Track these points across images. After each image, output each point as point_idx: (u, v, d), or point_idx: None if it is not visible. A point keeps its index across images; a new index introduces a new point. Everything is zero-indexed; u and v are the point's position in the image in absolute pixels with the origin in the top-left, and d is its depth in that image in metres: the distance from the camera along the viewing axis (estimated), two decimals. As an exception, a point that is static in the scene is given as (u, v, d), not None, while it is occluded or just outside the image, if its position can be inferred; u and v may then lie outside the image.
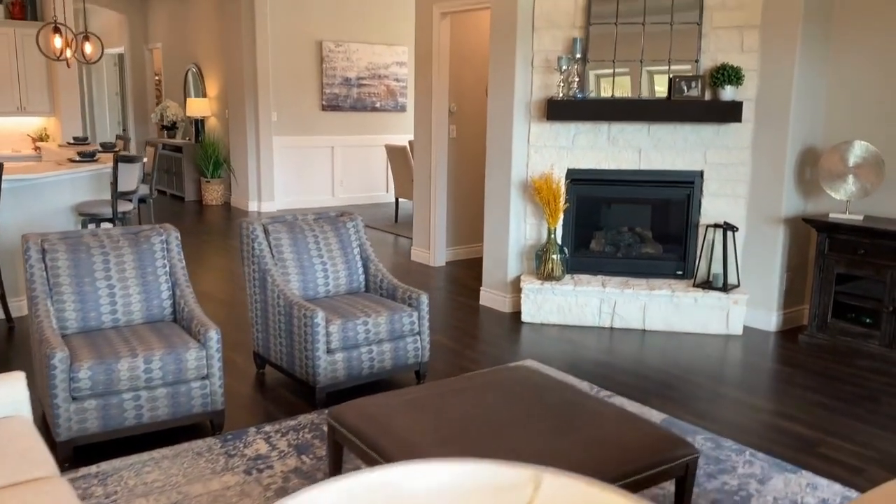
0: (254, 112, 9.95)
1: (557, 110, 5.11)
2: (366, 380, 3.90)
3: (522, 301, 5.27)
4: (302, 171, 10.50)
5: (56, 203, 5.52)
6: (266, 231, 4.10)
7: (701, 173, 5.24)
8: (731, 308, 5.04)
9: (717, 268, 5.18)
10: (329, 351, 3.73)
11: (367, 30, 10.56)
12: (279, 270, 4.06)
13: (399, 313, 3.94)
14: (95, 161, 5.69)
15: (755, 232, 5.18)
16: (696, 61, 5.03)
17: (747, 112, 5.06)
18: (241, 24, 9.84)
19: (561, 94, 5.13)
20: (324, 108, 10.50)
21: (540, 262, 5.31)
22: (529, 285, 5.23)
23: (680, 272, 5.36)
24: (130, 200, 5.81)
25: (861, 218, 4.69)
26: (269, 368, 4.27)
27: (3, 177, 5.09)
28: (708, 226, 5.22)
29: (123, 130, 14.62)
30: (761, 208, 5.13)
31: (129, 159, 5.57)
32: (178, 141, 11.31)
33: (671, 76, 5.03)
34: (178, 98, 12.02)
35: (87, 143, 7.31)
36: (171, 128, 11.91)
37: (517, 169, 5.40)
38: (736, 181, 5.19)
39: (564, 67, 5.06)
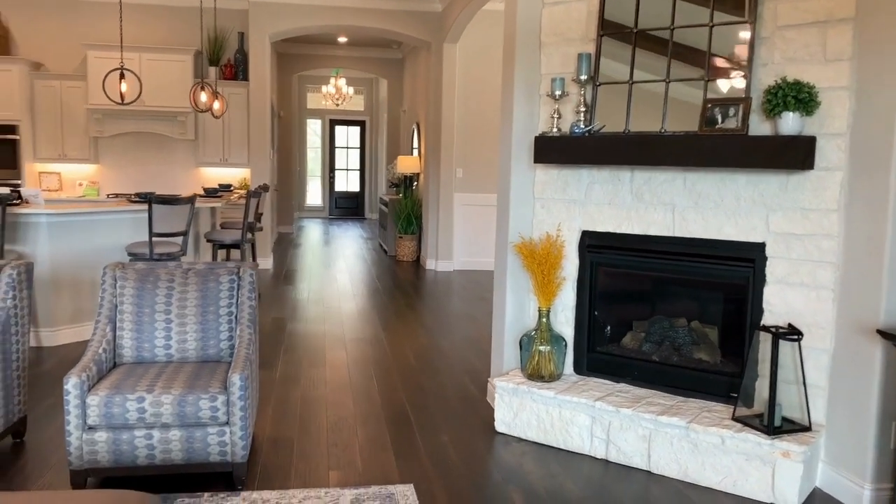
0: (437, 168, 9.59)
1: (547, 150, 3.78)
2: (145, 472, 3.09)
3: (496, 404, 3.94)
4: (487, 231, 9.79)
5: (108, 240, 5.67)
6: (115, 279, 3.58)
7: (762, 246, 3.43)
8: (777, 462, 3.14)
9: (786, 393, 3.30)
10: (89, 427, 3.03)
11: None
12: (117, 325, 3.50)
13: (195, 394, 3.07)
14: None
15: (847, 345, 3.20)
16: (745, 77, 3.33)
17: (833, 154, 3.19)
18: (431, 80, 9.63)
19: (555, 129, 3.79)
20: (515, 165, 9.71)
21: (526, 354, 3.93)
22: (503, 383, 3.88)
23: (734, 394, 3.54)
24: (177, 242, 5.74)
25: None
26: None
27: (55, 210, 5.37)
28: (765, 328, 3.37)
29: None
30: (856, 308, 3.15)
31: (167, 201, 5.52)
32: (388, 197, 11.44)
33: (705, 100, 3.40)
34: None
35: (229, 189, 7.60)
36: (399, 185, 12.13)
37: (517, 227, 4.11)
38: (816, 262, 3.29)
39: (559, 92, 3.73)
